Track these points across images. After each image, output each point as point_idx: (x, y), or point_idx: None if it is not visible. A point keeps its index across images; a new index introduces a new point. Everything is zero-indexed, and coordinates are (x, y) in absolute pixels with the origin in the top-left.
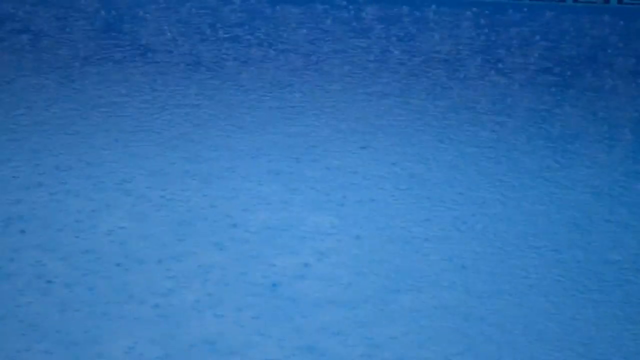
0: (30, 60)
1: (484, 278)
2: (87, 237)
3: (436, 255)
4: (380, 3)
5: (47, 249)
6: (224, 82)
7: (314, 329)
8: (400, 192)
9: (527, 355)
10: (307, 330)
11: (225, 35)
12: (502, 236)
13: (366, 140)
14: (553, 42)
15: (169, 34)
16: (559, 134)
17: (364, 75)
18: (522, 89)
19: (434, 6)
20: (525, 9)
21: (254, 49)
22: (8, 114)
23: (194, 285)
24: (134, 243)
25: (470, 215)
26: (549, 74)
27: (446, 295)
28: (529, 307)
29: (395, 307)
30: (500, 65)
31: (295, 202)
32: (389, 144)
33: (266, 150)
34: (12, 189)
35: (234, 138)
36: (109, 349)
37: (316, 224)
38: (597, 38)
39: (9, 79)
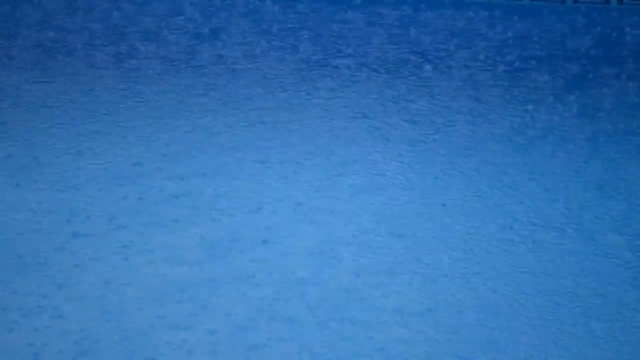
0: None
1: None
2: None
3: None
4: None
5: None
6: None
7: None
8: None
9: None
10: None
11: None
12: None
13: None
14: (553, 42)
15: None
16: (559, 133)
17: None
18: (520, 88)
19: (433, 6)
20: (525, 9)
21: None
22: None
23: None
24: None
25: None
26: (549, 74)
27: None
28: None
29: None
30: (498, 64)
31: None
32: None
33: None
34: None
35: None
36: None
37: None
38: (597, 38)
39: None
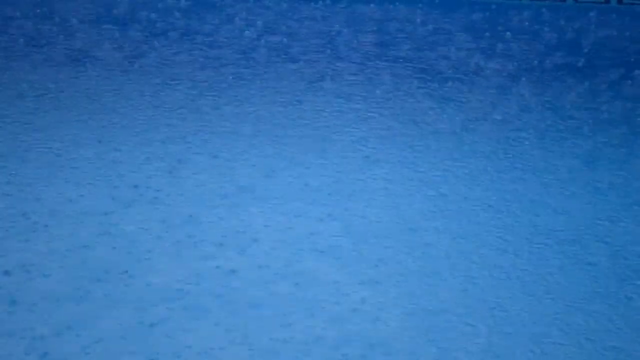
0: None
1: None
2: None
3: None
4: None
5: None
6: None
7: None
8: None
9: None
10: None
11: None
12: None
13: None
14: (553, 41)
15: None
16: (559, 131)
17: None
18: (520, 87)
19: (436, 7)
20: (526, 9)
21: None
22: None
23: None
24: None
25: None
26: (549, 73)
27: None
28: None
29: None
30: (499, 64)
31: None
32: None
33: None
34: None
35: None
36: None
37: None
38: (597, 37)
39: None
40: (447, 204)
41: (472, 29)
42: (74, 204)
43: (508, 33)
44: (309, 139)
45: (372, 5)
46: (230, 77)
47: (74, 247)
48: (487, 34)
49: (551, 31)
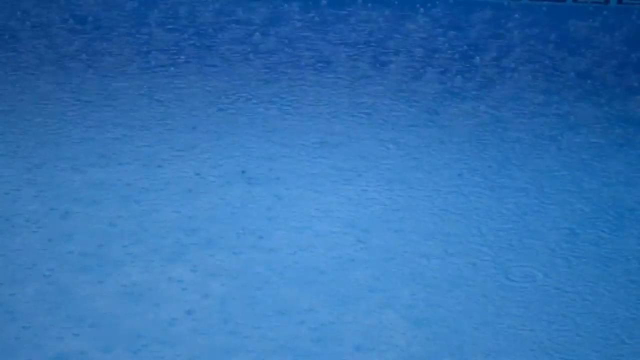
0: None
1: None
2: None
3: None
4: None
5: None
6: None
7: None
8: None
9: None
10: None
11: None
12: None
13: None
14: (552, 42)
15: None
16: (558, 134)
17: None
18: (520, 89)
19: (435, 6)
20: (525, 9)
21: None
22: None
23: None
24: None
25: None
26: (548, 74)
27: None
28: None
29: None
30: (498, 64)
31: None
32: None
33: None
34: None
35: None
36: None
37: None
38: (596, 38)
39: None
40: None
41: (467, 29)
42: None
43: (504, 33)
44: None
45: None
46: None
47: None
48: (486, 33)
49: (550, 31)
